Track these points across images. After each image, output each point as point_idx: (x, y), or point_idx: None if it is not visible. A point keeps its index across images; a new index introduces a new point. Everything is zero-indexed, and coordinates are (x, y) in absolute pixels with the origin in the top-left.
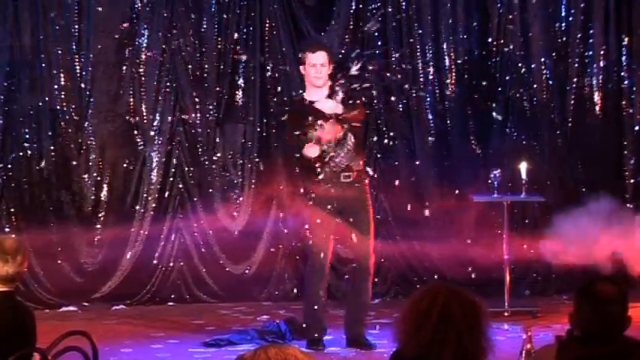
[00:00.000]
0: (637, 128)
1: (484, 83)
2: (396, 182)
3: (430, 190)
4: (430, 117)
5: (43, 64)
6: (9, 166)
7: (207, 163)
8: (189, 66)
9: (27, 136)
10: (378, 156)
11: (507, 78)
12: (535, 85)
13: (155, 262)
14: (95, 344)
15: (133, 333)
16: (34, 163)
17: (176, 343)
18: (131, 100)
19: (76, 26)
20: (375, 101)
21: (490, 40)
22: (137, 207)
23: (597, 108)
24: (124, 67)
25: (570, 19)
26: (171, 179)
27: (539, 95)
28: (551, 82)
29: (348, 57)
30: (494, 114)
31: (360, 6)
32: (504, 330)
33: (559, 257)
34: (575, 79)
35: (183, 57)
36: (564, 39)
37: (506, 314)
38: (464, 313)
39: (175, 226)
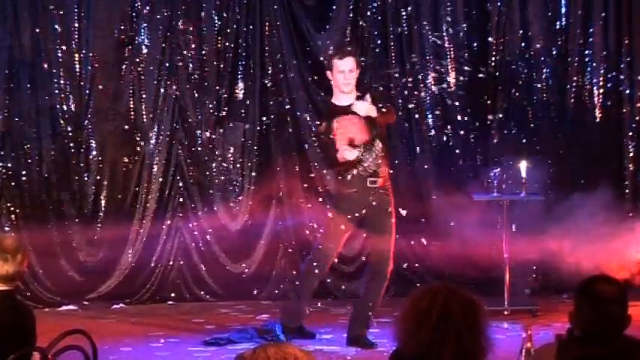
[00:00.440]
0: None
1: (484, 82)
2: (396, 182)
3: (430, 189)
4: (430, 117)
5: (43, 64)
6: (9, 165)
7: (207, 162)
8: (189, 65)
9: (27, 135)
10: None
11: (507, 77)
12: (535, 85)
13: (155, 261)
14: (95, 343)
15: (133, 332)
16: (34, 162)
17: (176, 341)
18: (131, 99)
19: (76, 25)
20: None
21: (490, 39)
22: (137, 206)
23: (597, 107)
24: (124, 67)
25: (570, 18)
26: (171, 178)
27: (539, 94)
28: (550, 82)
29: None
30: (492, 115)
31: (360, 5)
32: (504, 329)
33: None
34: (574, 78)
35: (183, 56)
36: (564, 38)
37: (506, 313)
38: (463, 313)
39: (175, 225)
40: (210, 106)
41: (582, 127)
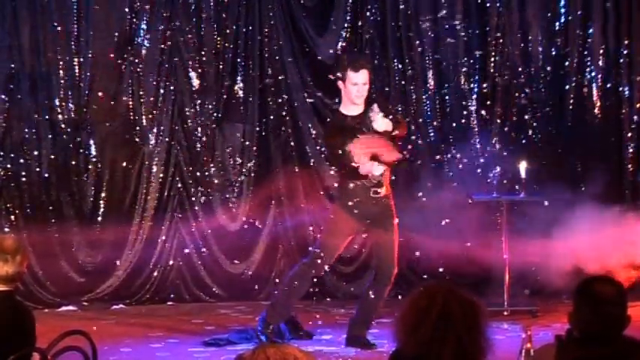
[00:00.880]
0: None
1: (484, 84)
2: (396, 182)
3: (430, 189)
4: (430, 117)
5: (42, 64)
6: (8, 165)
7: (206, 162)
8: (189, 66)
9: (26, 136)
10: None
11: (506, 77)
12: (534, 85)
13: (154, 261)
14: (94, 344)
15: (133, 332)
16: (34, 163)
17: (175, 342)
18: (130, 99)
19: (75, 26)
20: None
21: (489, 39)
22: (136, 206)
23: (596, 107)
24: (123, 67)
25: (570, 18)
26: (170, 179)
27: (539, 95)
28: (550, 82)
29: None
30: (492, 115)
31: (359, 6)
32: (504, 329)
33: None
34: (574, 79)
35: (182, 57)
36: (563, 38)
37: (505, 313)
38: (463, 313)
39: (174, 225)
40: (210, 106)
41: (582, 128)
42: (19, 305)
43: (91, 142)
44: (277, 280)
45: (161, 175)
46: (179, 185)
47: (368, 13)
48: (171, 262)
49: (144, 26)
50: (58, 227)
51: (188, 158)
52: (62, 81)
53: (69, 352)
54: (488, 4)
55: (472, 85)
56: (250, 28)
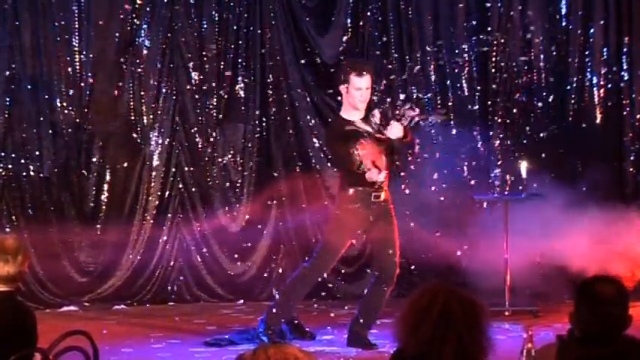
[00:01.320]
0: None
1: (485, 83)
2: (397, 182)
3: (431, 190)
4: (431, 117)
5: (44, 65)
6: (10, 166)
7: (207, 163)
8: (190, 66)
9: (27, 136)
10: None
11: (508, 78)
12: (535, 84)
13: (155, 262)
14: (96, 344)
15: (134, 333)
16: (35, 163)
17: (177, 342)
18: (131, 100)
19: (76, 26)
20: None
21: (490, 39)
22: (137, 207)
23: (597, 107)
24: (124, 67)
25: (571, 17)
26: (171, 179)
27: (539, 94)
28: (551, 82)
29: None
30: (493, 115)
31: (361, 6)
32: (505, 329)
33: (559, 257)
34: (575, 78)
35: (183, 57)
36: (564, 39)
37: (507, 313)
38: (464, 312)
39: (175, 226)
40: (211, 107)
41: (583, 128)
42: (20, 305)
43: (93, 142)
44: (278, 282)
45: (162, 176)
46: (180, 185)
47: (369, 13)
48: (172, 263)
49: (145, 26)
50: (60, 227)
51: (189, 158)
52: (63, 81)
53: (70, 352)
54: (489, 4)
55: (473, 85)
56: (251, 28)
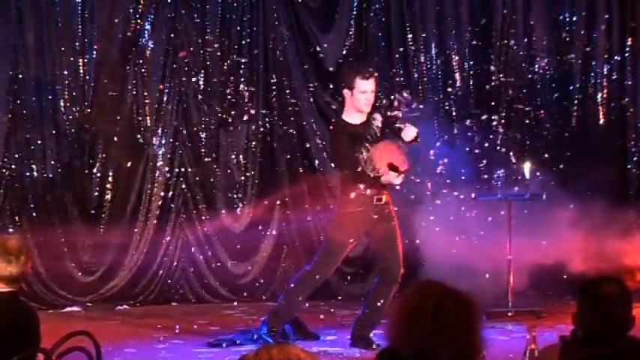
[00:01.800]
0: None
1: (488, 84)
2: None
3: (432, 190)
4: (434, 118)
5: (47, 65)
6: (13, 166)
7: (210, 163)
8: (193, 67)
9: (31, 137)
10: None
11: (511, 79)
12: (538, 85)
13: (159, 262)
14: (98, 344)
15: (137, 333)
16: (38, 164)
17: (180, 343)
18: (135, 100)
19: (80, 26)
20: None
21: (493, 40)
22: (141, 207)
23: (600, 108)
24: (128, 68)
25: (574, 18)
26: (174, 179)
27: (543, 96)
28: (554, 83)
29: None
30: (497, 116)
31: (364, 5)
32: (508, 330)
33: (562, 258)
34: (578, 79)
35: (187, 58)
36: (568, 39)
37: (510, 314)
38: (457, 310)
39: (179, 226)
40: (214, 107)
41: (586, 129)
42: (23, 306)
43: (96, 142)
44: (282, 283)
45: (165, 176)
46: (183, 186)
47: (372, 14)
48: (175, 263)
49: (148, 27)
50: (63, 228)
51: (192, 159)
52: (67, 82)
53: (73, 352)
54: (492, 5)
55: (477, 86)
56: (255, 28)
